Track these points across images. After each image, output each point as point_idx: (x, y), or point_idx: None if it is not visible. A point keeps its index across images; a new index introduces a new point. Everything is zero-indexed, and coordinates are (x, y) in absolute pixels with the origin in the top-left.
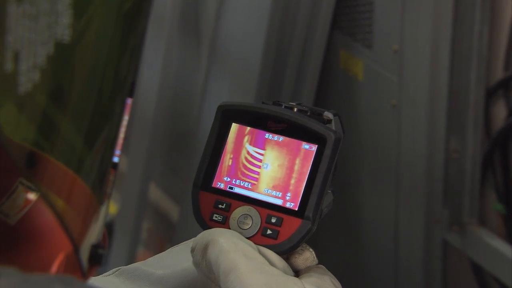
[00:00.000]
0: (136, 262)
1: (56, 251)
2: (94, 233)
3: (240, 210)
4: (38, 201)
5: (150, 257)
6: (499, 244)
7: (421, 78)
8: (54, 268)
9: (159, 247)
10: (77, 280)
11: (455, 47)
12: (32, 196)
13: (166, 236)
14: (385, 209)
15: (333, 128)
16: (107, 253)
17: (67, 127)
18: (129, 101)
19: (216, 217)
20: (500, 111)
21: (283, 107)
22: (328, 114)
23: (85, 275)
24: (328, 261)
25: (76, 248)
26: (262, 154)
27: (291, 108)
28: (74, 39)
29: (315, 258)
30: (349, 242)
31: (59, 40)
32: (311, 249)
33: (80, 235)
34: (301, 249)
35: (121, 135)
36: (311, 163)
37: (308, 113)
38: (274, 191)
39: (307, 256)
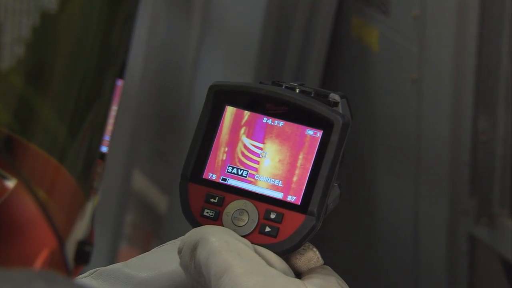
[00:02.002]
0: (119, 259)
1: (38, 246)
2: (81, 228)
3: (235, 205)
4: (16, 191)
5: (134, 254)
6: None
7: (445, 48)
8: (37, 265)
9: (145, 242)
10: (60, 275)
11: (484, 13)
12: (8, 185)
13: (152, 230)
14: (403, 199)
15: (340, 111)
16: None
17: (48, 110)
18: (119, 83)
19: (207, 212)
20: None
21: (283, 87)
22: (334, 96)
23: (70, 274)
24: (337, 261)
25: (61, 243)
26: (260, 143)
27: (293, 89)
28: (60, 8)
29: (320, 258)
30: (361, 238)
31: (46, 10)
32: (314, 249)
33: (65, 229)
34: (303, 249)
35: (111, 120)
36: (315, 151)
37: (312, 95)
38: (274, 184)
39: (310, 257)
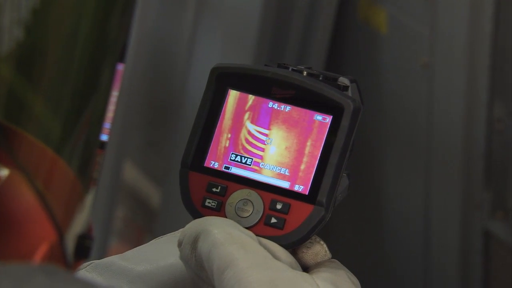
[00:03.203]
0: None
1: (37, 240)
2: (80, 221)
3: (239, 195)
4: (11, 182)
5: (125, 251)
6: None
7: (459, 30)
8: (37, 260)
9: (137, 238)
10: (62, 270)
11: None
12: (2, 174)
13: (145, 225)
14: (412, 192)
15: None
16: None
17: (42, 99)
18: (120, 67)
19: (209, 202)
20: None
21: (289, 70)
22: (344, 80)
23: (70, 270)
24: (342, 256)
25: (60, 236)
26: (266, 129)
27: (300, 72)
28: None
29: (327, 252)
30: (369, 232)
31: None
32: (322, 242)
33: (64, 222)
34: (310, 242)
35: (111, 107)
36: (324, 138)
37: (320, 78)
38: (280, 172)
39: (317, 250)
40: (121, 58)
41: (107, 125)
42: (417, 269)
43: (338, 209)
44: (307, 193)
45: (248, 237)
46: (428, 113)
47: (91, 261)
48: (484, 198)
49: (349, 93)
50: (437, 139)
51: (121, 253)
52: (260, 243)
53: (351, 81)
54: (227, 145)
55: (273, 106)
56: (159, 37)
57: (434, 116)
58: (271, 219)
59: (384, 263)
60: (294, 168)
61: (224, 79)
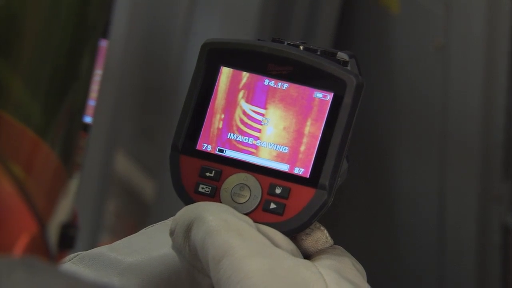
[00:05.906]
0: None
1: (16, 232)
2: (63, 209)
3: (234, 179)
4: None
5: None
6: None
7: (476, 8)
8: (17, 253)
9: (129, 234)
10: (43, 262)
11: None
12: None
13: (137, 219)
14: (426, 183)
15: None
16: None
17: (20, 80)
18: (103, 43)
19: (202, 188)
20: None
21: (285, 44)
22: (342, 55)
23: (53, 262)
24: (351, 247)
25: (42, 227)
26: (262, 108)
27: (296, 47)
28: None
29: (329, 238)
30: (379, 225)
31: None
32: (322, 227)
33: (46, 211)
34: (309, 228)
35: (94, 87)
36: (325, 117)
37: (318, 53)
38: (278, 154)
39: (317, 237)
40: (104, 34)
41: (92, 102)
42: (431, 264)
43: (346, 199)
44: (308, 176)
45: (246, 224)
46: (443, 99)
47: (78, 253)
48: (503, 190)
49: (349, 69)
50: (453, 126)
51: None
52: (259, 230)
53: (350, 56)
54: (220, 126)
55: (269, 83)
56: (153, 12)
57: (449, 102)
58: (270, 204)
59: (396, 257)
60: (293, 150)
61: (216, 56)
